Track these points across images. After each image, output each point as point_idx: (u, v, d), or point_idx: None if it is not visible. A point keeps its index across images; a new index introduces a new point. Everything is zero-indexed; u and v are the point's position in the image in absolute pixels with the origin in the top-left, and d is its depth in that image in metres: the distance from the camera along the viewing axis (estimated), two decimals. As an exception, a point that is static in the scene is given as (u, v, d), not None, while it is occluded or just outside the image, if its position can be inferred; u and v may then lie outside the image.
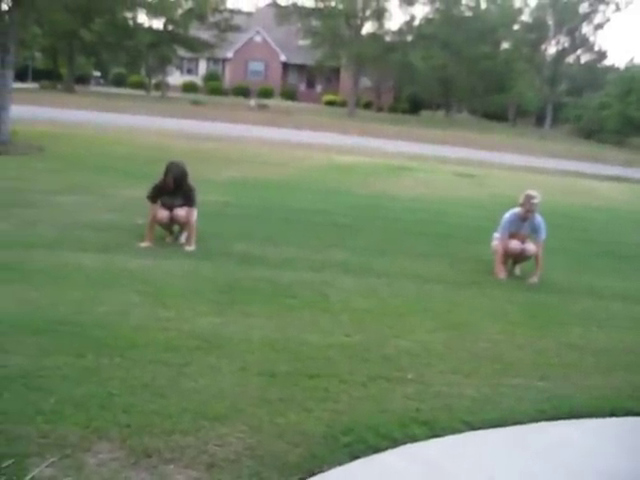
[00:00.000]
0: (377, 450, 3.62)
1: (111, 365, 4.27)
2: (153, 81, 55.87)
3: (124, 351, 4.50)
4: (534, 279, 7.76)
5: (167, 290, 6.00)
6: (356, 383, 4.39)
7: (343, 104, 54.45)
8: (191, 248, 7.58)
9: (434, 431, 3.89)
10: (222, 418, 3.75)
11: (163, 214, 7.69)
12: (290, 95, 60.69)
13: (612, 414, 4.45)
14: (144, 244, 7.48)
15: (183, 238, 7.89)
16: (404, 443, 3.73)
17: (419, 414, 4.05)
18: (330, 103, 58.45)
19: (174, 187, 7.62)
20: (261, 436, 3.61)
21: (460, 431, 3.95)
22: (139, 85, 56.74)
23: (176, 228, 8.03)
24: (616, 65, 69.72)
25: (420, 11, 52.63)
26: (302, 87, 64.31)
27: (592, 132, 57.52)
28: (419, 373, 4.68)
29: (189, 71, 63.46)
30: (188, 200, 7.73)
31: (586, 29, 56.02)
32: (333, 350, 4.92)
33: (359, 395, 4.23)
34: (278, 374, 4.38)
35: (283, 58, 62.53)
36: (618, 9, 65.17)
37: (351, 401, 4.12)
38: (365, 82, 58.30)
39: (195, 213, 7.80)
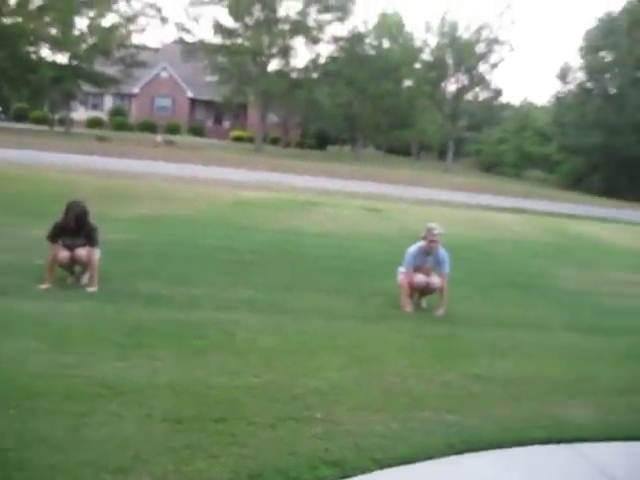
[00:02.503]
0: (287, 495, 3.55)
1: (5, 418, 4.04)
2: (57, 116, 54.47)
3: (20, 402, 4.27)
4: (440, 311, 7.90)
5: (67, 334, 5.75)
6: (264, 425, 4.31)
7: (251, 140, 54.56)
8: (93, 289, 7.33)
9: (344, 471, 3.85)
10: (125, 470, 3.59)
11: (64, 254, 7.43)
12: (197, 131, 60.37)
13: (519, 444, 4.53)
14: (43, 286, 7.19)
15: (85, 279, 7.64)
16: (314, 486, 3.67)
17: (328, 454, 4.00)
18: (238, 139, 58.47)
19: (75, 226, 7.39)
20: (166, 487, 3.48)
21: (370, 470, 3.92)
22: (42, 120, 55.18)
23: (77, 269, 7.76)
24: (511, 102, 72.98)
25: (325, 49, 53.45)
26: (209, 123, 64.10)
27: (492, 165, 59.91)
28: (328, 412, 4.64)
29: (94, 106, 62.23)
30: (90, 239, 7.50)
31: (483, 68, 58.33)
32: (241, 392, 4.83)
33: (267, 437, 4.15)
34: (184, 419, 4.25)
35: (190, 94, 62.24)
36: (512, 49, 68.39)
37: (259, 444, 4.04)
38: (272, 118, 58.70)
39: (97, 253, 7.57)
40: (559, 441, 4.63)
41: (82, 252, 7.45)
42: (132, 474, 3.56)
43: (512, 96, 71.74)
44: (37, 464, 3.54)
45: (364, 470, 3.90)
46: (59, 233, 7.45)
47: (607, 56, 51.28)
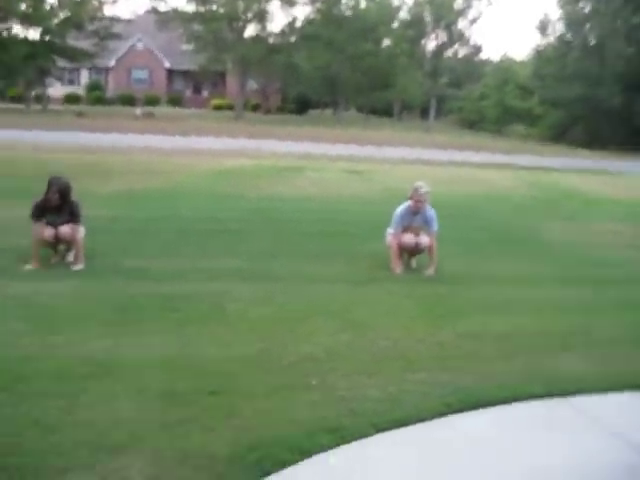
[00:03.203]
0: (286, 464, 3.51)
1: (-4, 402, 3.98)
2: (33, 94, 53.61)
3: (10, 385, 4.20)
4: (430, 271, 7.86)
5: (55, 314, 5.68)
6: (259, 395, 4.27)
7: (231, 108, 54.00)
8: (79, 267, 7.24)
9: (342, 438, 3.82)
10: (121, 448, 3.55)
11: (49, 232, 7.31)
12: (176, 101, 59.67)
13: (515, 399, 4.52)
14: (29, 266, 7.08)
15: (70, 257, 7.53)
16: (313, 454, 3.64)
17: (325, 421, 3.97)
18: (218, 107, 57.85)
19: (59, 202, 7.26)
20: (163, 463, 3.44)
21: (368, 435, 3.90)
22: (18, 99, 54.30)
23: (62, 247, 7.65)
24: (491, 58, 72.57)
25: (301, 12, 52.95)
26: (188, 93, 63.36)
27: (474, 122, 59.69)
28: (323, 378, 4.61)
29: (70, 82, 61.26)
30: (73, 216, 7.39)
31: (462, 24, 57.77)
32: (233, 363, 4.78)
33: (263, 408, 4.11)
34: (177, 394, 4.21)
35: (167, 64, 61.37)
36: (490, 3, 67.75)
37: (255, 415, 4.00)
38: (252, 85, 58.09)
39: (82, 230, 7.46)
40: (556, 395, 4.62)
41: (66, 229, 7.34)
42: (128, 452, 3.51)
43: (492, 51, 71.37)
44: (31, 448, 3.49)
45: (362, 435, 3.87)
46: (42, 211, 7.32)
47: (586, 6, 50.85)
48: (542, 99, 52.28)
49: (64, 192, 7.31)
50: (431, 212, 7.92)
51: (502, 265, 8.69)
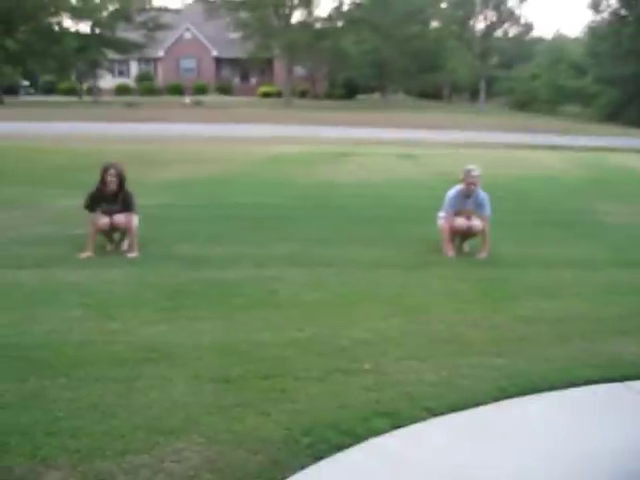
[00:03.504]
0: (340, 448, 3.50)
1: (55, 387, 4.06)
2: (84, 86, 54.65)
3: (69, 370, 4.29)
4: (483, 254, 7.76)
5: (111, 301, 5.78)
6: (312, 379, 4.27)
7: (279, 95, 54.16)
8: (134, 255, 7.35)
9: (397, 422, 3.79)
10: (177, 432, 3.59)
11: (104, 221, 7.44)
12: (225, 90, 60.09)
13: (571, 384, 4.43)
14: (84, 255, 7.22)
15: (125, 245, 7.66)
16: (367, 438, 3.62)
17: (379, 405, 3.95)
18: (266, 95, 58.06)
19: (117, 188, 7.37)
20: (219, 446, 3.47)
21: (422, 419, 3.86)
22: (70, 91, 55.40)
23: (117, 236, 7.78)
24: (543, 37, 71.06)
25: (348, -4, 52.61)
26: (236, 81, 63.73)
27: (525, 103, 58.53)
28: (376, 362, 4.59)
29: (121, 73, 62.22)
30: (127, 205, 7.50)
31: (511, 2, 56.84)
32: (286, 347, 4.79)
33: (317, 392, 4.11)
34: (232, 379, 4.24)
35: (215, 53, 61.81)
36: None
37: (309, 399, 4.00)
38: (299, 71, 58.10)
39: (136, 218, 7.57)
40: (612, 380, 4.51)
41: (121, 218, 7.46)
42: (184, 435, 3.55)
43: (544, 30, 70.08)
44: (90, 431, 3.56)
45: (417, 419, 3.84)
46: (96, 201, 7.45)
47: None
48: (596, 78, 51.04)
49: (122, 176, 7.42)
50: (483, 195, 7.81)
51: (556, 248, 8.52)
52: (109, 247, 7.71)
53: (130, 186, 7.64)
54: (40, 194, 11.19)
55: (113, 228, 7.58)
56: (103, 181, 7.39)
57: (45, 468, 3.24)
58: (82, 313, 5.44)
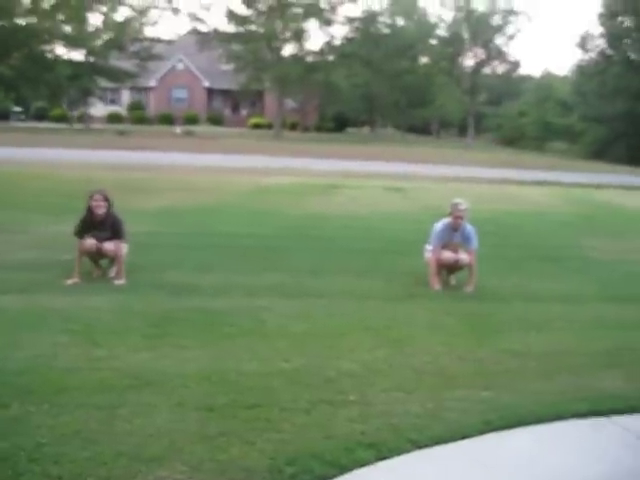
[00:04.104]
0: (324, 479, 3.49)
1: (39, 413, 4.03)
2: (76, 113, 54.78)
3: (53, 397, 4.26)
4: (469, 288, 7.79)
5: (97, 327, 5.75)
6: (298, 410, 4.26)
7: (269, 126, 54.52)
8: (121, 282, 7.33)
9: (381, 453, 3.79)
10: (160, 459, 3.56)
11: (90, 242, 7.38)
12: (216, 120, 60.43)
13: (558, 417, 4.43)
14: (71, 281, 7.19)
15: (112, 272, 7.63)
16: (352, 469, 3.61)
17: (364, 437, 3.94)
18: (256, 126, 58.43)
19: (105, 211, 7.36)
20: (202, 475, 3.44)
21: (407, 451, 3.85)
22: (62, 118, 55.49)
23: (104, 262, 7.76)
24: (530, 74, 72.03)
25: (339, 31, 53.29)
26: (227, 112, 64.10)
27: (513, 140, 59.23)
28: (362, 394, 4.58)
29: (112, 101, 62.46)
30: (116, 233, 7.49)
31: (500, 40, 57.54)
32: (273, 378, 4.78)
33: (302, 422, 4.10)
34: (216, 407, 4.22)
35: (207, 84, 62.25)
36: (529, 19, 67.44)
37: (294, 429, 3.99)
38: (290, 103, 58.57)
39: (125, 246, 7.57)
40: (598, 414, 4.52)
41: (109, 246, 7.45)
42: (167, 463, 3.53)
43: (532, 68, 71.16)
44: (73, 457, 3.53)
45: (401, 451, 3.83)
46: (86, 228, 7.44)
47: (626, 21, 50.29)
48: (583, 115, 51.75)
49: (109, 201, 7.42)
50: (470, 229, 7.86)
51: (543, 282, 8.56)
52: (96, 273, 7.68)
53: (119, 213, 7.64)
54: (26, 219, 11.16)
55: (100, 253, 7.54)
56: (89, 208, 7.39)
57: (26, 495, 3.20)
58: (68, 339, 5.40)
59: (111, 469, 3.43)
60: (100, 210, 7.37)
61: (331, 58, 52.91)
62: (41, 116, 59.28)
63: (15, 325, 5.71)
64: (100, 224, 7.43)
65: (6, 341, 5.28)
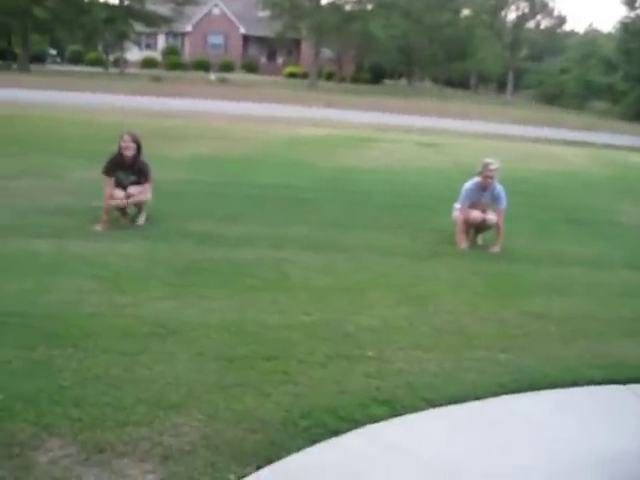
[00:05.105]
0: (337, 433, 3.55)
1: (63, 357, 4.14)
2: (111, 58, 54.77)
3: (77, 341, 4.37)
4: (496, 248, 7.74)
5: (123, 274, 5.85)
6: (315, 364, 4.31)
7: (305, 76, 53.97)
8: (141, 222, 7.62)
9: (395, 410, 3.83)
10: (177, 407, 3.65)
11: (119, 194, 7.50)
12: (251, 68, 59.99)
13: (574, 384, 4.43)
14: (99, 227, 7.29)
15: (140, 220, 7.72)
16: (365, 424, 3.66)
17: (380, 393, 3.99)
18: (292, 75, 57.90)
19: (134, 154, 7.44)
20: (217, 424, 3.52)
21: (421, 409, 3.89)
22: (97, 62, 55.54)
23: (132, 210, 7.84)
24: (575, 30, 70.11)
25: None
26: (263, 60, 63.60)
27: (553, 97, 57.91)
28: (380, 350, 4.62)
29: (148, 46, 62.29)
30: (142, 175, 7.58)
31: (545, -6, 56.04)
32: (292, 330, 4.84)
33: (318, 376, 4.15)
34: (235, 358, 4.29)
35: (243, 30, 61.67)
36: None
37: (310, 383, 4.05)
38: (326, 53, 57.81)
39: (149, 190, 7.66)
40: (615, 382, 4.50)
41: (135, 189, 7.55)
42: (184, 411, 3.61)
43: (576, 23, 69.02)
44: (93, 401, 3.63)
45: (415, 409, 3.87)
46: (115, 167, 7.53)
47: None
48: (626, 75, 50.29)
49: (138, 143, 7.49)
50: (500, 189, 7.77)
51: (571, 246, 8.47)
52: (123, 222, 7.76)
53: (151, 160, 7.70)
54: (62, 164, 11.26)
55: (127, 199, 7.64)
56: (119, 150, 7.47)
57: (47, 435, 3.31)
58: (94, 285, 5.51)
59: (130, 414, 3.53)
60: (128, 152, 7.44)
61: (370, 7, 51.97)
62: (76, 59, 59.38)
63: (45, 269, 5.82)
64: (128, 166, 7.51)
65: (36, 285, 5.40)
